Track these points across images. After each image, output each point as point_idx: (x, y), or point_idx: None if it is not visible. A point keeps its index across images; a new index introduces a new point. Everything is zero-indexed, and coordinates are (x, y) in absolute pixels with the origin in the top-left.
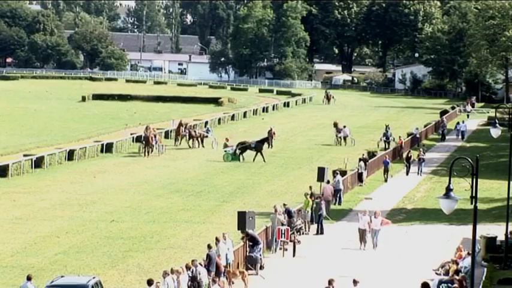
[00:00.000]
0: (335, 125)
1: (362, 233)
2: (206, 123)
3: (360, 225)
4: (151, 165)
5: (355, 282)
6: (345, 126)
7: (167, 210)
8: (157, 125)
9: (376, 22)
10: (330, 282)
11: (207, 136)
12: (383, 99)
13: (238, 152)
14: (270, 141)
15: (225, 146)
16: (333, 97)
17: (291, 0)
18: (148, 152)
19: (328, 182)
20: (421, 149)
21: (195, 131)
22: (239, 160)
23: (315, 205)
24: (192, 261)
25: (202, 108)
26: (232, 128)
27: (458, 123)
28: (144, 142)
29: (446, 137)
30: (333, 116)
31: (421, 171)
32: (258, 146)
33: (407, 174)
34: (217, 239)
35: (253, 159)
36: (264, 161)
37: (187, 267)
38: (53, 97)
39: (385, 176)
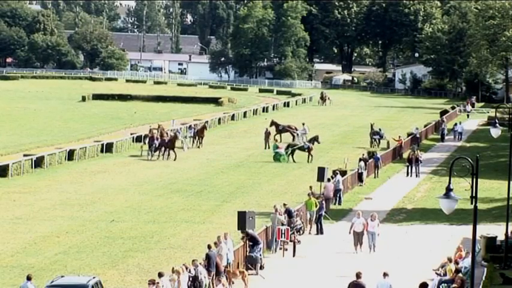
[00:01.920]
0: (273, 123)
1: (357, 236)
2: (206, 122)
3: (354, 228)
4: (151, 165)
5: (385, 274)
6: (303, 124)
7: (167, 210)
8: (157, 125)
9: (376, 22)
10: (358, 275)
11: (177, 138)
12: (383, 99)
13: (288, 153)
14: (317, 139)
15: (276, 147)
16: (328, 98)
17: (291, 0)
18: (166, 155)
19: (328, 180)
20: (414, 151)
21: (166, 133)
22: (287, 161)
23: (318, 205)
24: (193, 261)
25: (202, 108)
26: (232, 128)
27: (456, 124)
28: (164, 145)
29: (445, 138)
30: (333, 116)
31: (418, 172)
32: (310, 147)
33: (410, 175)
34: (218, 239)
35: (308, 160)
36: (309, 161)
37: (187, 268)
38: (53, 97)
39: (375, 171)
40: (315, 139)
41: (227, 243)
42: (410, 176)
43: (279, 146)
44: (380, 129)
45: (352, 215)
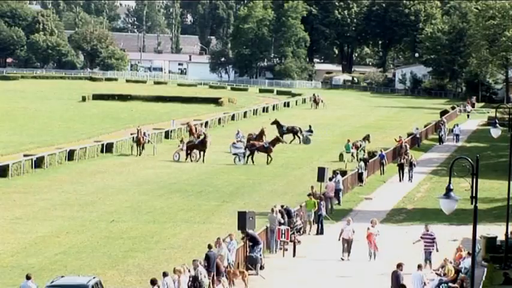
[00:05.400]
0: (188, 125)
1: (345, 243)
2: (206, 123)
3: (343, 235)
4: (151, 165)
5: (419, 266)
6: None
7: (167, 210)
8: (157, 125)
9: (376, 22)
10: (399, 265)
11: (149, 141)
12: (383, 99)
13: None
14: (368, 138)
15: (350, 147)
16: (321, 101)
17: (291, 0)
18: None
19: (330, 179)
20: (406, 151)
21: (144, 135)
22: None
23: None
24: (193, 261)
25: (202, 108)
26: (232, 128)
27: (456, 125)
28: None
29: (445, 139)
30: (333, 116)
31: (411, 176)
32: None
33: (402, 179)
34: (218, 240)
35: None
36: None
37: (187, 268)
38: (53, 97)
39: (381, 169)
40: (366, 138)
41: (232, 244)
42: (402, 180)
43: (352, 147)
44: (310, 126)
45: (352, 215)
